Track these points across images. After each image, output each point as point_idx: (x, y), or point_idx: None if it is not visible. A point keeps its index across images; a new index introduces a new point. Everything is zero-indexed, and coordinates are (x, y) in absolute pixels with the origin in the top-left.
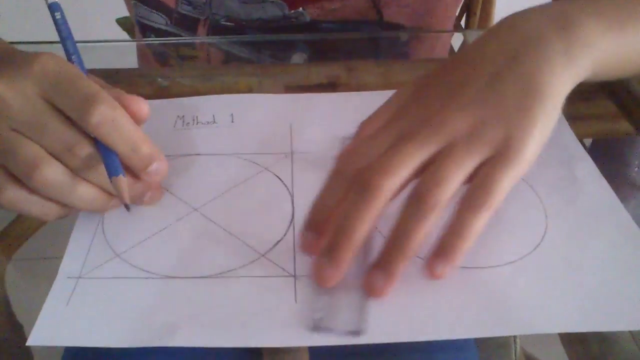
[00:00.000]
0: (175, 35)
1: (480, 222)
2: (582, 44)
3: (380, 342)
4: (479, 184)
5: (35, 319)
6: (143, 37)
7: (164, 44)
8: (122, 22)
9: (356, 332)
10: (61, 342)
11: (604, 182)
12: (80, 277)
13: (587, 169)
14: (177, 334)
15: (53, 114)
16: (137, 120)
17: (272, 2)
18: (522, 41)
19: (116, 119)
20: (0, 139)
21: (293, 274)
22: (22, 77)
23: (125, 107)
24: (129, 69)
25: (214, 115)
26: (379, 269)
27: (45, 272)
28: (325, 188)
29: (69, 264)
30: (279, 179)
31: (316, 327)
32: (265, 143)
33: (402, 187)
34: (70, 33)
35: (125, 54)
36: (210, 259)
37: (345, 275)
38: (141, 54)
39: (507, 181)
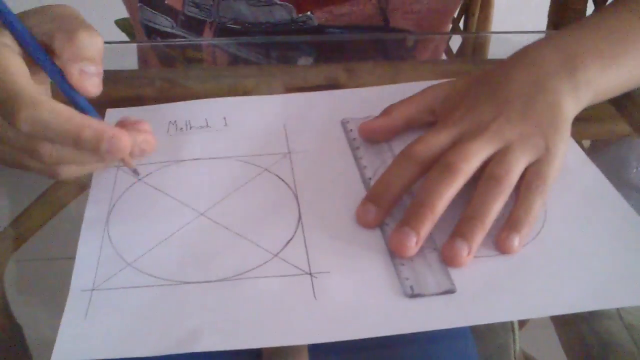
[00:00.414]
0: (181, 38)
1: (539, 204)
2: (585, 84)
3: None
4: (534, 176)
5: (35, 320)
6: (149, 40)
7: (170, 47)
8: (120, 24)
9: (450, 291)
10: (84, 356)
11: (592, 167)
12: (94, 289)
13: (577, 156)
14: (201, 339)
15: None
16: (78, 58)
17: (280, 5)
18: (543, 77)
19: (44, 118)
20: None
21: (309, 271)
22: None
23: (59, 49)
24: (129, 70)
25: (206, 120)
26: (461, 238)
27: (44, 273)
28: (392, 167)
29: (80, 277)
30: (280, 179)
31: (413, 295)
32: (261, 144)
33: (472, 175)
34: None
35: (125, 56)
36: (223, 262)
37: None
38: (143, 56)
39: (553, 174)
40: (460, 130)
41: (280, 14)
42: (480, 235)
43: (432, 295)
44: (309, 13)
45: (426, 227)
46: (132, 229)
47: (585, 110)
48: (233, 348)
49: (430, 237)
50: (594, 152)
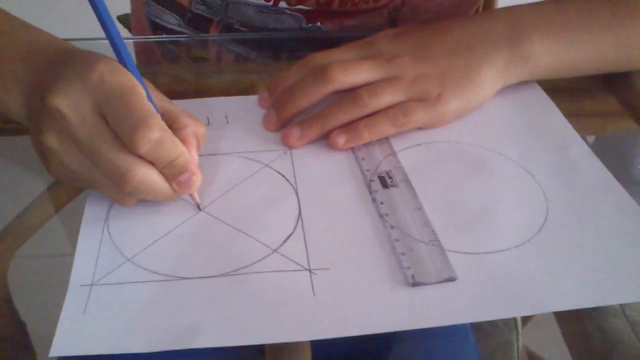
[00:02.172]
0: (185, 34)
1: (387, 131)
2: (523, 58)
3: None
4: (402, 108)
5: (38, 317)
6: (150, 35)
7: (176, 45)
8: (123, 19)
9: (451, 278)
10: (82, 351)
11: (596, 161)
12: (93, 285)
13: (580, 150)
14: (201, 335)
15: (106, 135)
16: (189, 143)
17: (290, 14)
18: (480, 41)
19: (164, 142)
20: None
21: (308, 267)
22: (78, 90)
23: (180, 129)
24: None
25: (207, 118)
26: (299, 126)
27: (47, 270)
28: (290, 69)
29: (79, 272)
30: (281, 174)
31: (415, 283)
32: (262, 141)
33: (346, 90)
34: (118, 34)
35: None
36: (222, 258)
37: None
38: (145, 52)
39: (422, 118)
40: (367, 53)
41: (290, 22)
42: (315, 131)
43: (434, 283)
44: (318, 24)
45: (313, 130)
46: (132, 225)
47: (589, 106)
48: (231, 344)
49: (431, 230)
50: (598, 147)
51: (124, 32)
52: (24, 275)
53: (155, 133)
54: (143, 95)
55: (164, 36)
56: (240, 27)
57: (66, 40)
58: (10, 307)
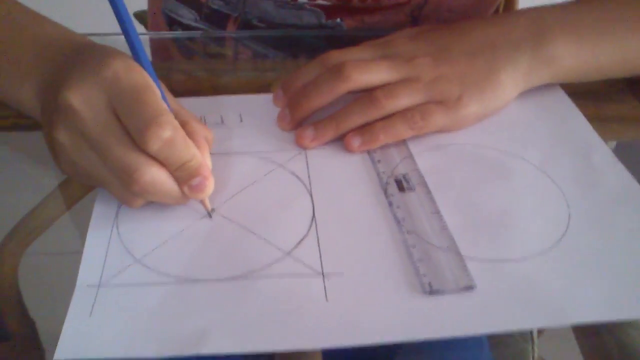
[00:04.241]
0: (202, 30)
1: (404, 134)
2: (544, 61)
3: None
4: (420, 111)
5: (47, 315)
6: (165, 30)
7: (192, 41)
8: (139, 16)
9: (469, 287)
10: (88, 354)
11: (621, 167)
12: (100, 286)
13: (603, 155)
14: (209, 340)
15: (117, 132)
16: (202, 147)
17: (310, 10)
18: (502, 41)
19: (175, 141)
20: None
21: (321, 271)
22: (92, 86)
23: (193, 133)
24: None
25: (221, 116)
26: (313, 127)
27: (58, 267)
28: (305, 67)
29: (87, 272)
30: (295, 175)
31: (432, 292)
32: (277, 141)
33: (362, 90)
34: (135, 32)
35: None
36: (233, 260)
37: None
38: (160, 47)
39: (441, 121)
40: (386, 52)
41: (309, 18)
42: (330, 133)
43: (451, 292)
44: (338, 20)
45: (328, 131)
46: (142, 225)
47: (612, 111)
48: (240, 351)
49: (449, 236)
50: (620, 153)
51: (139, 28)
52: (34, 273)
53: (167, 131)
54: (157, 94)
55: (180, 32)
56: (258, 23)
57: (82, 35)
58: (20, 305)
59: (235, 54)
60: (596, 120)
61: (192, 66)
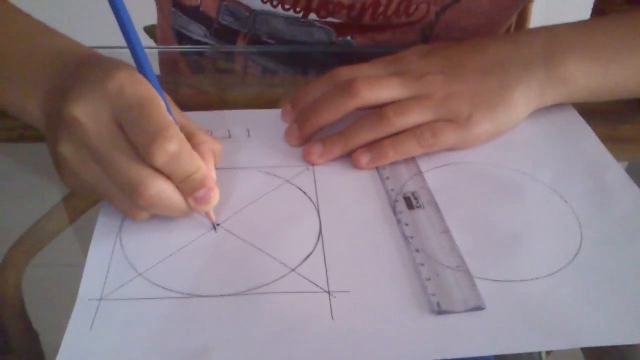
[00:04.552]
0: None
1: (414, 151)
2: (557, 80)
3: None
4: (431, 128)
5: (51, 327)
6: (172, 45)
7: (201, 56)
8: (149, 30)
9: (479, 307)
10: None
11: (634, 187)
12: (102, 299)
13: (617, 175)
14: (211, 358)
15: (122, 146)
16: (207, 159)
17: (320, 27)
18: (515, 60)
19: (181, 155)
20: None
21: (327, 289)
22: (97, 98)
23: (198, 145)
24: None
25: (229, 131)
26: (321, 143)
27: (62, 279)
28: (314, 83)
29: (88, 285)
30: (302, 191)
31: (440, 311)
32: (284, 157)
33: (371, 106)
34: (140, 44)
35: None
36: (238, 275)
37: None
38: (170, 61)
39: (452, 140)
40: (397, 69)
41: (319, 35)
42: (338, 149)
43: (460, 312)
44: (349, 38)
45: (336, 148)
46: (146, 238)
47: (624, 131)
48: None
49: (458, 255)
50: (632, 174)
51: (149, 42)
52: (39, 285)
53: (173, 145)
54: (162, 107)
55: (189, 46)
56: (268, 40)
57: (90, 47)
58: (24, 316)
59: (245, 68)
60: (608, 140)
61: (201, 81)
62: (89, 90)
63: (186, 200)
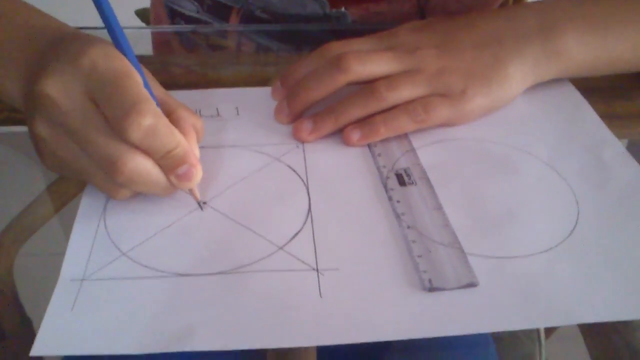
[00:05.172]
0: (206, 23)
1: (406, 127)
2: (554, 53)
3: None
4: (422, 103)
5: (43, 314)
6: (172, 24)
7: (194, 33)
8: (140, 14)
9: (472, 284)
10: (68, 350)
11: (634, 163)
12: (84, 279)
13: (615, 151)
14: (195, 337)
15: (97, 122)
16: (188, 135)
17: None
18: (510, 33)
19: (157, 130)
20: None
21: (315, 267)
22: (70, 74)
23: (179, 121)
24: (140, 56)
25: (217, 109)
26: (311, 120)
27: (56, 267)
28: (306, 58)
29: (71, 265)
30: (291, 168)
31: (432, 288)
32: (274, 134)
33: (364, 81)
34: (116, 19)
35: (140, 41)
36: (224, 254)
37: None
38: (161, 42)
39: (445, 115)
40: (388, 44)
41: (313, 7)
42: (329, 126)
43: (453, 289)
44: (342, 9)
45: (327, 124)
46: (131, 217)
47: (624, 108)
48: (228, 348)
49: (451, 231)
50: (631, 151)
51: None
52: (32, 272)
53: (148, 119)
54: (137, 82)
55: (181, 26)
56: (261, 14)
57: (71, 26)
58: (17, 303)
59: (238, 45)
60: (606, 117)
61: (194, 59)
62: (61, 67)
63: (168, 178)
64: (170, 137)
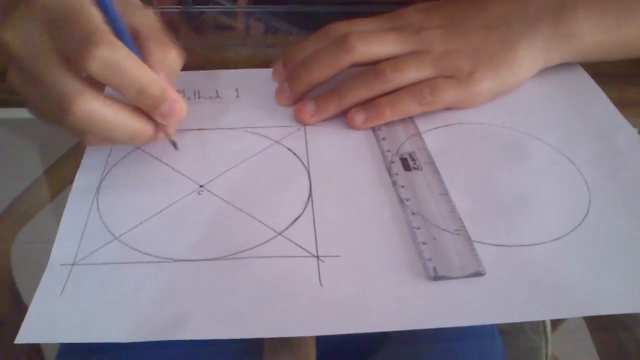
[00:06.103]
0: (215, 3)
1: (412, 110)
2: (565, 36)
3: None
4: (429, 85)
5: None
6: (180, 3)
7: (202, 13)
8: None
9: (478, 273)
10: (55, 338)
11: None
12: (74, 264)
13: (629, 137)
14: (189, 325)
15: (52, 61)
16: (164, 67)
17: None
18: (520, 14)
19: (118, 61)
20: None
21: (315, 254)
22: (25, 19)
23: (149, 51)
24: None
25: (217, 90)
26: (314, 101)
27: (49, 252)
28: (309, 39)
29: (61, 249)
30: (292, 152)
31: (437, 277)
32: (274, 117)
33: (368, 62)
34: None
35: None
36: (220, 239)
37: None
38: (169, 21)
39: (453, 97)
40: (393, 24)
41: None
42: (332, 108)
43: (458, 278)
44: None
45: (329, 106)
46: (125, 200)
47: (636, 94)
48: (222, 337)
49: (458, 218)
50: None
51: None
52: (28, 260)
53: (104, 49)
54: (93, 15)
55: (189, 7)
56: None
57: None
58: (12, 290)
59: (247, 27)
60: (619, 104)
61: (201, 41)
62: (16, 11)
63: (154, 119)
64: (139, 73)
